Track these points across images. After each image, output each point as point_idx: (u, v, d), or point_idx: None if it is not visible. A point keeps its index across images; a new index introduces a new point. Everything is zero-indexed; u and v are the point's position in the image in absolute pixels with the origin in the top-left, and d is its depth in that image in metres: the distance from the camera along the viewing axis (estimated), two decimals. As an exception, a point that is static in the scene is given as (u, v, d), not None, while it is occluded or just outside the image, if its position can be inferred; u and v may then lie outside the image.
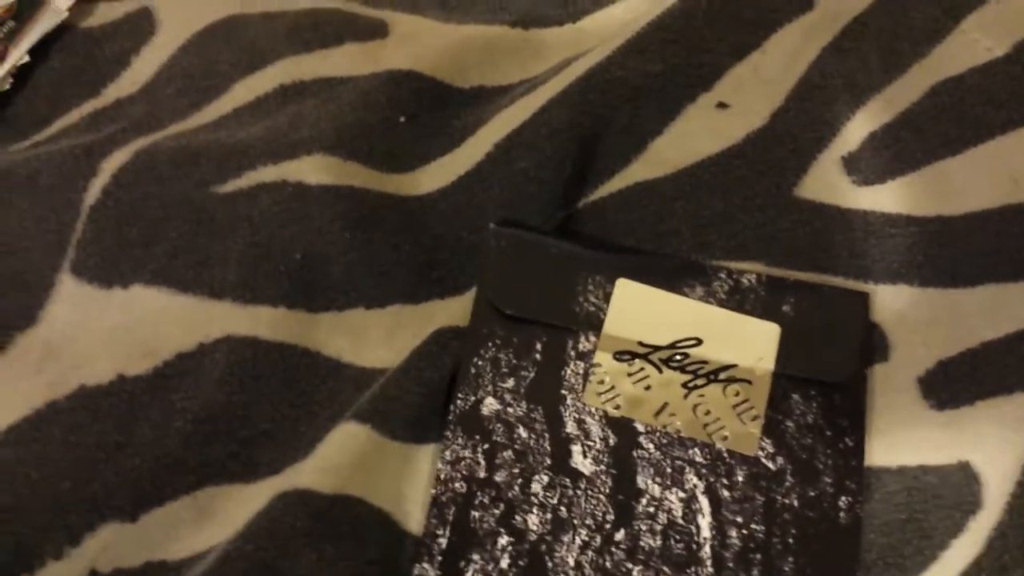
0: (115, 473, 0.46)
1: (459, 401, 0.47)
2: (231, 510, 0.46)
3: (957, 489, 0.45)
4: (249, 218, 0.50)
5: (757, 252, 0.50)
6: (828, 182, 0.52)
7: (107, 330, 0.48)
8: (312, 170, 0.51)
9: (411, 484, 0.46)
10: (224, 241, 0.50)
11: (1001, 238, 0.50)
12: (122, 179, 0.51)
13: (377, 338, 0.49)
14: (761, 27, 0.55)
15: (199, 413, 0.47)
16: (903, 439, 0.46)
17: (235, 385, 0.47)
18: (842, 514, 0.44)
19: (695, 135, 0.53)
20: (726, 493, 0.45)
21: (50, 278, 0.50)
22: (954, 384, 0.47)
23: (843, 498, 0.44)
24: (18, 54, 0.56)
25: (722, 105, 0.53)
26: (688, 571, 0.43)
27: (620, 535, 0.44)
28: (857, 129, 0.53)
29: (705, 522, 0.44)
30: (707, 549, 0.44)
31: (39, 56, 0.57)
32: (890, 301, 0.49)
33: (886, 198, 0.51)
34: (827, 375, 0.46)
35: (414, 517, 0.45)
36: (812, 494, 0.44)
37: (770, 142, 0.52)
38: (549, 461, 0.45)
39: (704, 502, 0.44)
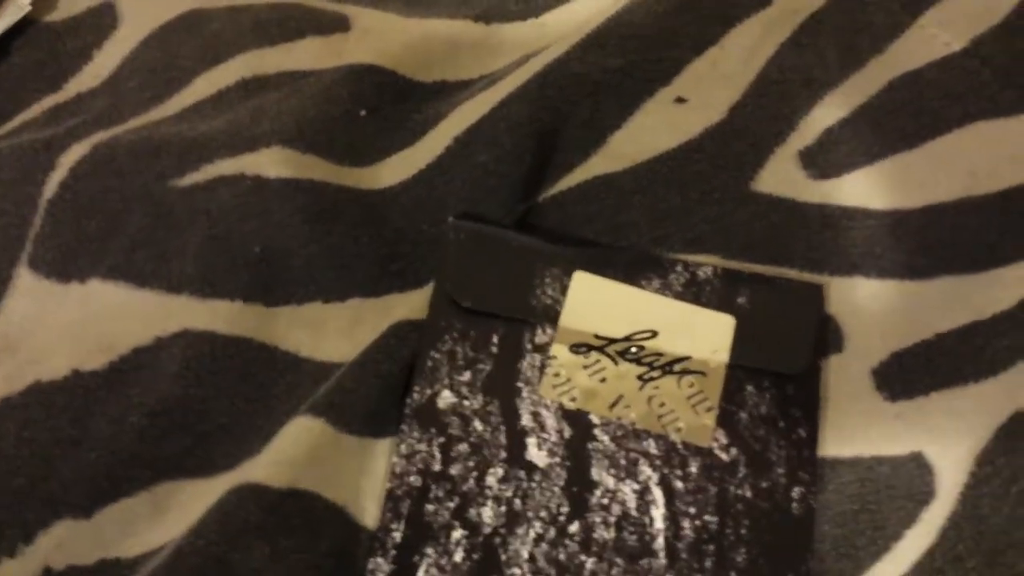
0: (70, 469, 0.46)
1: (415, 394, 0.47)
2: (187, 505, 0.46)
3: (910, 480, 0.45)
4: (207, 211, 0.50)
5: (714, 245, 0.51)
6: (785, 176, 0.52)
7: (64, 325, 0.48)
8: (271, 163, 0.51)
9: (367, 478, 0.46)
10: (182, 235, 0.50)
11: (958, 231, 0.50)
12: (79, 172, 0.51)
13: (336, 332, 0.49)
14: (720, 23, 0.55)
15: (154, 407, 0.46)
16: (857, 430, 0.46)
17: (191, 379, 0.47)
18: (795, 505, 0.44)
19: (654, 129, 0.53)
20: (680, 484, 0.44)
21: (7, 272, 0.50)
22: (908, 375, 0.47)
23: (796, 489, 0.44)
24: (-20, 49, 0.56)
25: (680, 100, 0.54)
26: (641, 563, 0.43)
27: (574, 527, 0.44)
28: (814, 123, 0.53)
29: (659, 513, 0.44)
30: (660, 540, 0.43)
31: (1, 51, 0.56)
32: (846, 293, 0.49)
33: (843, 191, 0.51)
34: (781, 366, 0.46)
35: (369, 511, 0.46)
36: (765, 485, 0.44)
37: (728, 136, 0.53)
38: (504, 454, 0.45)
39: (658, 493, 0.44)
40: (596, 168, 0.53)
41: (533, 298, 0.49)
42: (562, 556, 0.44)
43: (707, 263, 0.50)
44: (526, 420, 0.46)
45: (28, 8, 0.57)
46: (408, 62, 0.56)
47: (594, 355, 0.47)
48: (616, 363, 0.47)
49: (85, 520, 0.45)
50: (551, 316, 0.48)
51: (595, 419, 0.46)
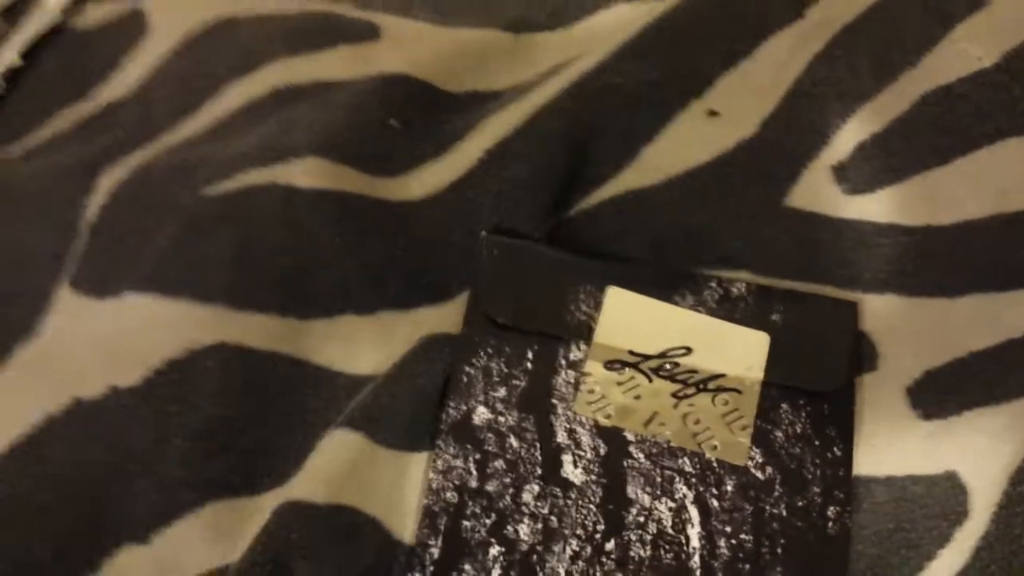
0: (123, 494, 0.46)
1: (450, 410, 0.47)
2: (237, 525, 0.46)
3: (944, 499, 0.44)
4: (237, 220, 0.50)
5: (747, 261, 0.51)
6: (818, 191, 0.52)
7: (98, 340, 0.48)
8: (303, 173, 0.50)
9: (403, 492, 0.46)
10: (212, 243, 0.49)
11: (989, 248, 0.50)
12: (120, 195, 0.51)
13: (368, 345, 0.49)
14: (752, 35, 0.55)
15: (196, 428, 0.46)
16: (891, 449, 0.46)
17: (231, 398, 0.47)
18: (831, 524, 0.43)
19: (687, 143, 0.53)
20: (715, 503, 0.44)
21: (48, 292, 0.50)
22: (941, 394, 0.47)
23: (832, 508, 0.44)
24: (9, 56, 0.55)
25: (713, 113, 0.53)
26: None
27: (610, 545, 0.43)
28: (847, 138, 0.53)
29: (694, 532, 0.43)
30: (696, 559, 0.43)
31: (30, 58, 0.56)
32: (879, 311, 0.49)
33: (875, 207, 0.51)
34: (816, 384, 0.46)
35: (406, 526, 0.46)
36: (801, 504, 0.44)
37: (760, 151, 0.52)
38: (540, 471, 0.46)
39: (693, 512, 0.44)
40: (629, 182, 0.52)
41: (567, 314, 0.49)
42: (598, 574, 0.44)
43: (740, 279, 0.49)
44: (561, 437, 0.46)
45: (57, 15, 0.57)
46: (438, 72, 0.56)
47: (628, 372, 0.47)
48: (651, 380, 0.47)
49: (145, 546, 0.45)
50: (585, 332, 0.48)
51: (630, 436, 0.46)
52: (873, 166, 0.52)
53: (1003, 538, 0.44)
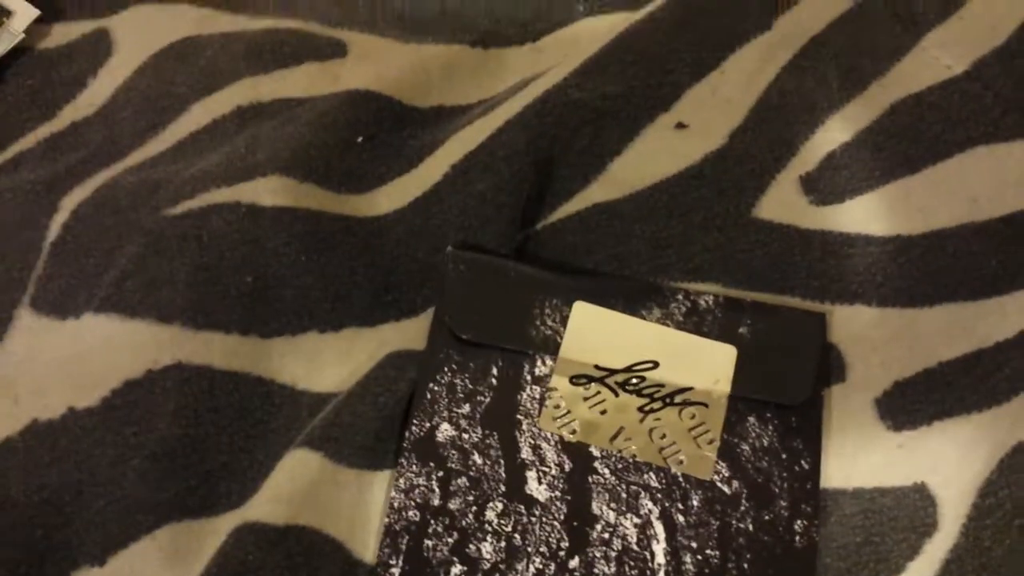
0: (80, 516, 0.45)
1: (414, 427, 0.46)
2: (193, 547, 0.45)
3: (913, 511, 0.44)
4: (198, 238, 0.49)
5: (716, 273, 0.50)
6: (786, 202, 0.52)
7: (58, 361, 0.48)
8: (267, 192, 0.50)
9: (365, 512, 0.46)
10: (172, 263, 0.49)
11: (959, 257, 0.50)
12: (80, 214, 0.51)
13: (331, 362, 0.49)
14: (720, 47, 0.55)
15: (154, 449, 0.46)
16: (860, 461, 0.46)
17: (190, 418, 0.46)
18: (798, 538, 0.44)
19: (654, 156, 0.53)
20: (681, 518, 0.44)
21: (8, 313, 0.49)
22: (911, 405, 0.46)
23: (799, 522, 0.44)
24: (-26, 77, 0.55)
25: (681, 126, 0.53)
26: None
27: (574, 562, 0.43)
28: (816, 148, 0.53)
29: (660, 548, 0.43)
30: (662, 575, 0.43)
31: (-5, 79, 0.56)
32: (848, 322, 0.49)
33: (845, 217, 0.51)
34: (784, 397, 0.46)
35: (367, 546, 0.45)
36: (767, 518, 0.44)
37: (729, 162, 0.52)
38: (504, 488, 0.45)
39: (659, 527, 0.44)
40: (596, 196, 0.52)
41: (533, 329, 0.48)
42: None
43: (708, 291, 0.49)
44: (526, 453, 0.46)
45: (22, 36, 0.56)
46: (405, 87, 0.56)
47: (595, 387, 0.47)
48: (617, 394, 0.46)
49: (99, 568, 0.45)
50: (551, 347, 0.48)
51: (596, 452, 0.46)
52: (843, 176, 0.52)
53: (973, 550, 0.44)
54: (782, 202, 0.52)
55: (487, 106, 0.55)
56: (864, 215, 0.51)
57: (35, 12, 0.57)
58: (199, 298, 0.48)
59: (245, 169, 0.51)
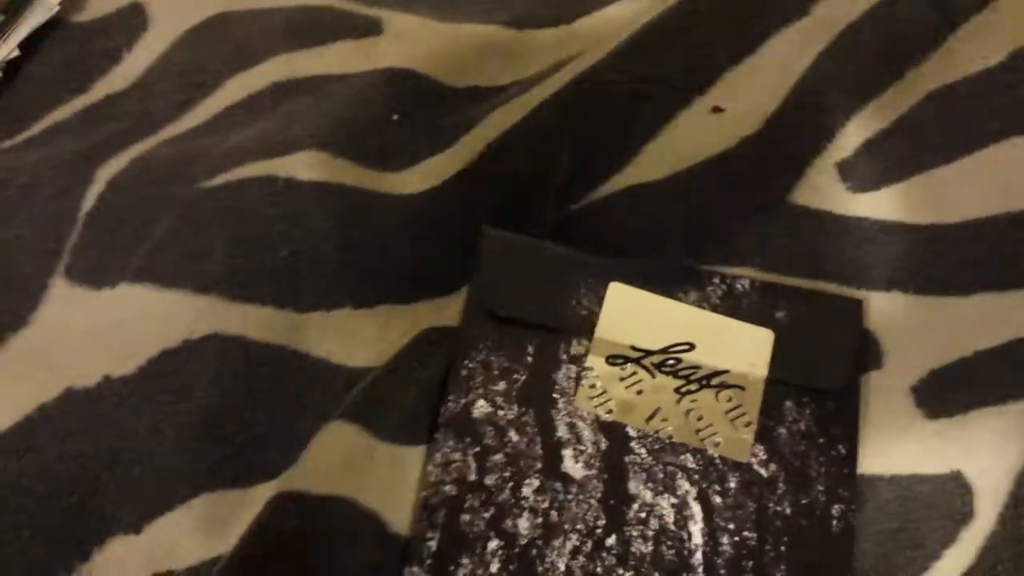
0: (116, 484, 0.45)
1: (450, 403, 0.46)
2: (230, 517, 0.45)
3: (949, 499, 0.44)
4: (235, 210, 0.49)
5: (751, 257, 0.50)
6: (822, 188, 0.52)
7: (93, 330, 0.48)
8: (303, 166, 0.50)
9: (401, 486, 0.45)
10: (209, 234, 0.49)
11: (993, 247, 0.50)
12: (116, 185, 0.51)
13: (366, 339, 0.49)
14: (756, 33, 0.55)
15: (191, 418, 0.46)
16: (896, 448, 0.46)
17: (226, 389, 0.46)
18: (835, 522, 0.44)
19: (690, 139, 0.52)
20: (718, 499, 0.44)
21: (44, 282, 0.49)
22: (947, 393, 0.47)
23: (836, 506, 0.44)
24: (8, 48, 0.55)
25: (717, 109, 0.53)
26: None
27: (611, 540, 0.44)
28: (852, 135, 0.53)
29: (697, 528, 0.44)
30: (699, 556, 0.43)
31: (30, 50, 0.56)
32: (884, 308, 0.49)
33: (880, 205, 0.51)
34: (821, 382, 0.46)
35: (404, 519, 0.45)
36: (804, 502, 0.44)
37: (765, 147, 0.52)
38: (540, 465, 0.45)
39: (696, 508, 0.44)
40: (631, 177, 0.52)
41: (568, 308, 0.48)
42: (599, 569, 0.43)
43: (744, 275, 0.49)
44: (562, 431, 0.46)
45: (56, 8, 0.56)
46: (440, 67, 0.55)
47: (631, 367, 0.47)
48: (653, 375, 0.47)
49: (135, 536, 0.45)
50: (587, 327, 0.48)
51: (632, 432, 0.46)
52: (878, 164, 0.52)
53: (1010, 539, 0.44)
54: (818, 188, 0.52)
55: (522, 87, 0.55)
56: (899, 203, 0.51)
57: (71, -16, 0.57)
58: (235, 270, 0.48)
59: (282, 143, 0.51)
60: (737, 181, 0.52)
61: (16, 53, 0.55)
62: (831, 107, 0.53)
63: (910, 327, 0.48)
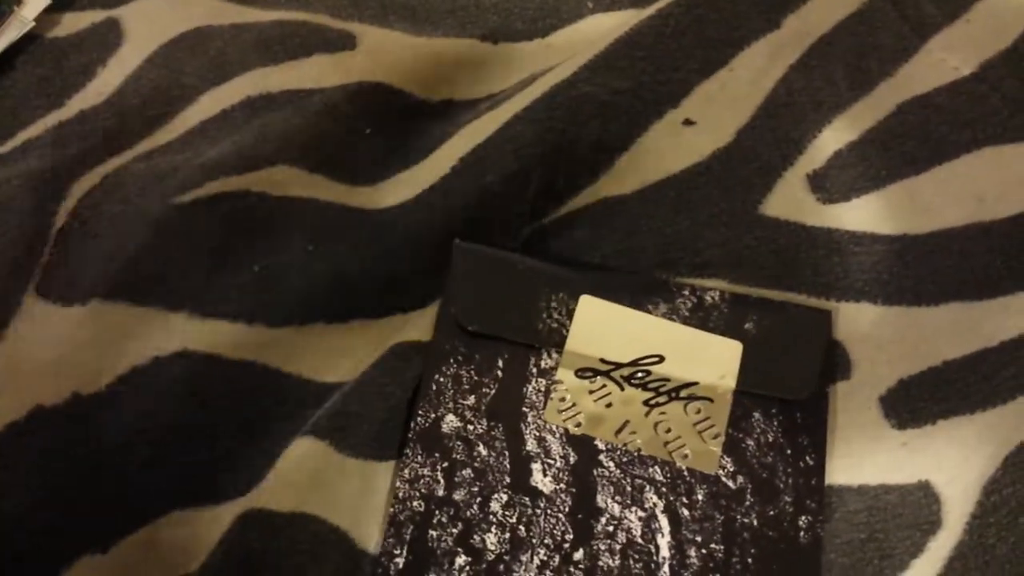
0: (85, 502, 0.45)
1: (419, 418, 0.46)
2: (198, 536, 0.45)
3: (917, 509, 0.45)
4: (207, 227, 0.49)
5: (722, 269, 0.51)
6: (793, 199, 0.52)
7: (64, 347, 0.47)
8: (276, 181, 0.50)
9: (369, 502, 0.46)
10: (180, 250, 0.49)
11: (965, 257, 0.50)
12: (88, 201, 0.51)
13: (338, 354, 0.49)
14: (728, 45, 0.55)
15: (160, 436, 0.46)
16: (864, 458, 0.46)
17: (196, 405, 0.46)
18: (802, 533, 0.44)
19: (662, 152, 0.53)
20: (686, 512, 0.44)
21: (15, 299, 0.49)
22: (916, 403, 0.47)
23: (803, 517, 0.44)
24: (-17, 64, 0.55)
25: (689, 122, 0.53)
26: None
27: (579, 554, 0.44)
28: (823, 147, 0.53)
29: (664, 541, 0.44)
30: (666, 569, 0.43)
31: (4, 67, 0.56)
32: (853, 319, 0.49)
33: (851, 216, 0.51)
34: (789, 393, 0.46)
35: (371, 535, 0.45)
36: (772, 513, 0.44)
37: (736, 159, 0.52)
38: (509, 479, 0.45)
39: (664, 521, 0.44)
40: (604, 190, 0.52)
41: (539, 322, 0.48)
42: None
43: (715, 287, 0.49)
44: (531, 445, 0.46)
45: (32, 24, 0.56)
46: (415, 80, 0.55)
47: (600, 380, 0.47)
48: (622, 388, 0.46)
49: (103, 555, 0.45)
50: (557, 340, 0.48)
51: (601, 445, 0.46)
52: (849, 175, 0.52)
53: (977, 548, 0.44)
54: (789, 199, 0.52)
55: (496, 100, 0.55)
56: (870, 214, 0.51)
57: (46, 0, 0.57)
58: (206, 286, 0.48)
59: (254, 158, 0.51)
60: (708, 193, 0.52)
61: (-9, 70, 0.55)
62: (802, 119, 0.53)
63: (879, 337, 0.49)
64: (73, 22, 0.58)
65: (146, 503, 0.45)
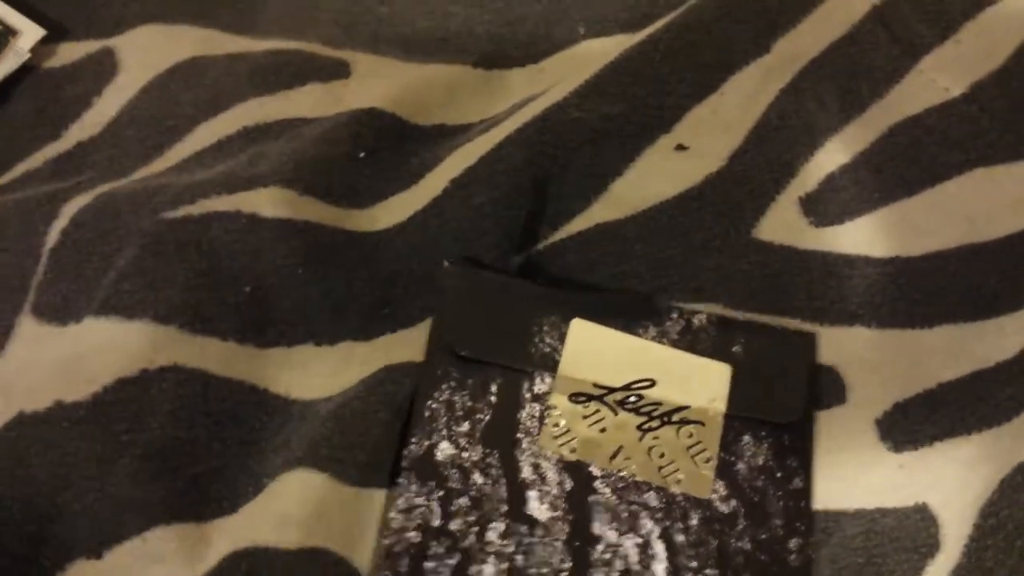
0: (74, 509, 0.45)
1: (412, 446, 0.45)
2: (188, 551, 0.45)
3: (915, 532, 0.44)
4: (197, 245, 0.49)
5: (716, 294, 0.51)
6: (786, 223, 0.52)
7: (54, 362, 0.48)
8: (268, 202, 0.50)
9: (365, 530, 0.46)
10: (171, 265, 0.49)
11: (958, 279, 0.50)
12: (80, 220, 0.51)
13: (326, 374, 0.49)
14: (719, 70, 0.55)
15: (145, 449, 0.46)
16: (861, 481, 0.45)
17: (183, 421, 0.46)
18: (793, 556, 0.43)
19: (655, 177, 0.53)
20: (681, 537, 0.43)
21: (10, 320, 0.49)
22: (912, 425, 0.46)
23: (793, 540, 0.44)
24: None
25: (681, 147, 0.53)
26: None
27: None
28: (815, 170, 0.53)
29: (661, 568, 0.43)
30: None
31: (1, 99, 0.56)
32: (847, 343, 0.49)
33: (844, 239, 0.51)
34: (777, 416, 0.46)
35: (368, 564, 0.45)
36: (764, 536, 0.43)
37: (728, 184, 0.52)
38: (505, 508, 0.44)
39: (659, 547, 0.43)
40: (597, 216, 0.52)
41: (531, 346, 0.48)
42: None
43: (707, 311, 0.49)
44: (527, 472, 0.46)
45: (27, 55, 0.57)
46: (407, 106, 0.56)
47: (593, 405, 0.47)
48: (616, 413, 0.46)
49: (97, 560, 0.45)
50: (550, 365, 0.48)
51: (596, 471, 0.45)
52: (842, 198, 0.52)
53: (975, 571, 0.44)
54: (782, 223, 0.52)
55: (488, 124, 0.55)
56: (863, 236, 0.51)
57: (41, 32, 0.57)
58: (197, 303, 0.48)
59: (246, 179, 0.51)
60: (702, 218, 0.52)
61: (-13, 103, 0.55)
62: (793, 142, 0.53)
63: (873, 361, 0.49)
64: (68, 52, 0.59)
65: (131, 515, 0.45)
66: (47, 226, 0.52)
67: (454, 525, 0.45)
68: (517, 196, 0.52)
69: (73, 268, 0.50)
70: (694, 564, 0.44)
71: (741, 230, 0.52)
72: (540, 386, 0.48)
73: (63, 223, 0.51)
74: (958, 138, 0.53)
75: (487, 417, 0.47)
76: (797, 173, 0.53)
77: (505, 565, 0.44)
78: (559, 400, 0.48)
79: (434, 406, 0.47)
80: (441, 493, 0.46)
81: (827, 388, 0.48)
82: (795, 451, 0.45)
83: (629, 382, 0.48)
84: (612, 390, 0.47)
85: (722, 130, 0.54)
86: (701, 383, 0.47)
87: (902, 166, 0.53)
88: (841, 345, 0.50)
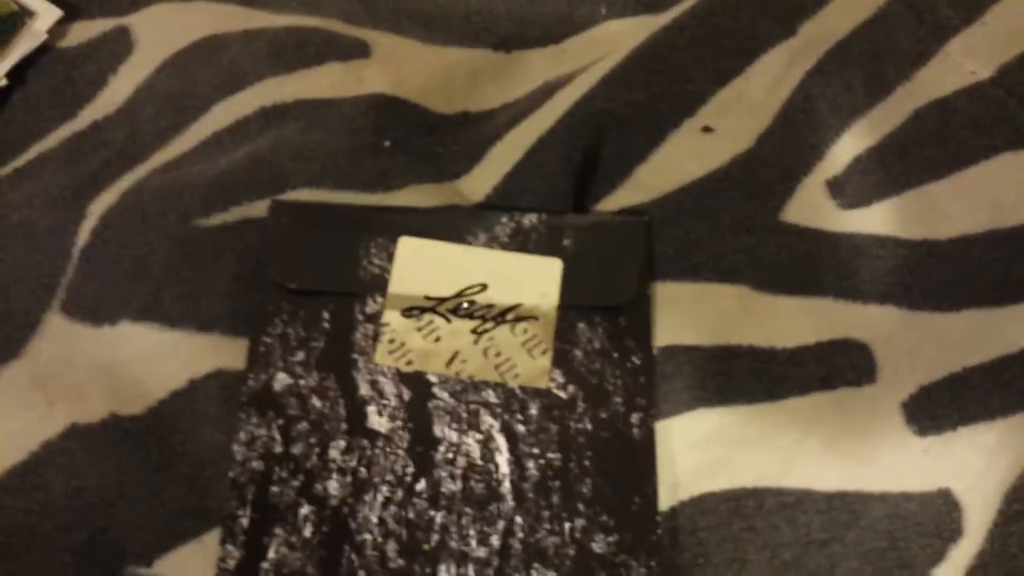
0: (126, 519, 0.44)
1: (250, 382, 0.45)
2: None
3: (938, 517, 0.43)
4: (235, 251, 0.48)
5: (745, 275, 0.48)
6: (813, 205, 0.49)
7: (96, 367, 0.47)
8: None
9: None
10: (209, 273, 0.48)
11: (984, 263, 0.48)
12: (109, 220, 0.50)
13: None
14: (743, 53, 0.52)
15: (200, 455, 0.45)
16: (886, 465, 0.44)
17: (231, 423, 0.46)
18: (635, 430, 0.44)
19: (680, 160, 0.50)
20: (521, 428, 0.44)
21: (37, 316, 0.48)
22: (937, 409, 0.45)
23: (635, 415, 0.44)
24: (-3, 76, 0.56)
25: (707, 129, 0.51)
26: (490, 508, 0.43)
27: (421, 485, 0.43)
28: (842, 152, 0.50)
29: (503, 459, 0.44)
30: (507, 484, 0.43)
31: (17, 79, 0.56)
32: (879, 321, 0.47)
33: (872, 221, 0.48)
34: (610, 300, 0.46)
35: None
36: (604, 416, 0.44)
37: (756, 166, 0.50)
38: (345, 426, 0.44)
39: (501, 440, 0.44)
40: (623, 200, 0.50)
41: (360, 269, 0.47)
42: (411, 515, 0.43)
43: (737, 291, 0.48)
44: (364, 390, 0.45)
45: (44, 36, 0.57)
46: (430, 93, 0.54)
47: (427, 316, 0.46)
48: (449, 321, 0.46)
49: (147, 568, 0.44)
50: (380, 285, 0.47)
51: (433, 378, 0.45)
52: (869, 180, 0.49)
53: (998, 557, 0.42)
54: (809, 205, 0.49)
55: (512, 113, 0.53)
56: (890, 219, 0.48)
57: (58, 12, 0.57)
58: (237, 307, 0.47)
59: (273, 179, 0.50)
60: (729, 199, 0.49)
61: (4, 83, 0.56)
62: (820, 125, 0.50)
63: (903, 341, 0.47)
64: (83, 31, 0.58)
65: (188, 520, 0.44)
66: (76, 225, 0.51)
67: (296, 449, 0.44)
68: (556, 196, 0.50)
69: (104, 269, 0.49)
70: (536, 451, 0.44)
71: (769, 212, 0.49)
72: (372, 306, 0.46)
73: (92, 223, 0.50)
74: (985, 122, 0.50)
75: (321, 344, 0.46)
76: (824, 155, 0.50)
77: (349, 479, 0.43)
78: (392, 316, 0.46)
79: (268, 340, 0.46)
80: (281, 421, 0.44)
81: (859, 365, 0.46)
82: (632, 331, 0.46)
83: (460, 289, 0.47)
84: (443, 300, 0.47)
85: (748, 113, 0.51)
86: (532, 280, 0.47)
87: (929, 149, 0.50)
88: (875, 323, 0.47)
